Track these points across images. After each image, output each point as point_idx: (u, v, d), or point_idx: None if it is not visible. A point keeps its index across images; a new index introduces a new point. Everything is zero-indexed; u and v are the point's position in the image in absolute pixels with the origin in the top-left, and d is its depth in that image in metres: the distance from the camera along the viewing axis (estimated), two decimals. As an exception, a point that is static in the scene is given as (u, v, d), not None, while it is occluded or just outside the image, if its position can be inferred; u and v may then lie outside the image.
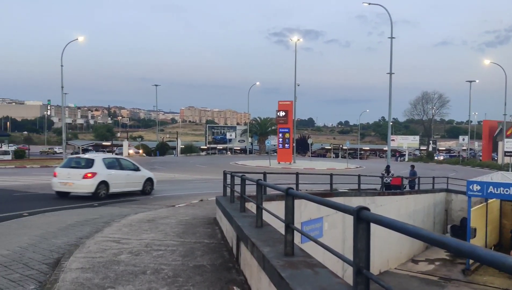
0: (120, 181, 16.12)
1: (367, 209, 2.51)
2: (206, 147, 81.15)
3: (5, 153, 55.56)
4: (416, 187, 23.63)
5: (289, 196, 4.04)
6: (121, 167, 16.61)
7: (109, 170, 15.72)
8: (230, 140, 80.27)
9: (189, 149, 72.09)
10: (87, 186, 15.15)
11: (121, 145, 67.11)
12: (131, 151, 55.62)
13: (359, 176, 18.37)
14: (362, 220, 2.50)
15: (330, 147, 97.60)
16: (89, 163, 15.67)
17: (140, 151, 62.40)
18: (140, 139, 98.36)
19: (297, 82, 49.10)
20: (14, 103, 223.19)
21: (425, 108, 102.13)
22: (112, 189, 15.69)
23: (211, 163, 45.53)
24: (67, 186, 15.34)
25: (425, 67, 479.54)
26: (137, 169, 17.22)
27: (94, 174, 15.18)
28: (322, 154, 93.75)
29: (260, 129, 76.39)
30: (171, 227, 9.12)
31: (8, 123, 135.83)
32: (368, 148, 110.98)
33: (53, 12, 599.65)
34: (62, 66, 41.84)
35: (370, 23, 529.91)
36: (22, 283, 5.39)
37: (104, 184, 15.37)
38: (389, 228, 2.20)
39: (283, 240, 4.66)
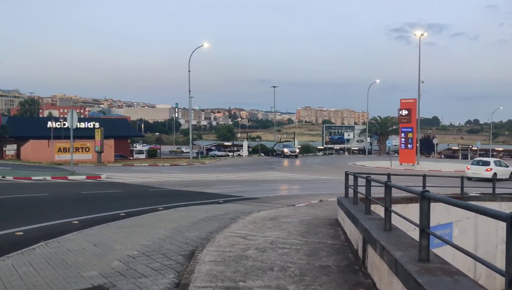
0: (501, 172, 27.41)
1: (523, 215, 2.35)
2: (322, 147, 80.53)
3: (140, 152, 61.45)
4: None
5: (424, 199, 3.85)
6: (501, 165, 28.72)
7: (496, 167, 27.64)
8: (348, 140, 78.63)
9: (305, 149, 72.17)
10: (487, 174, 26.36)
11: (241, 145, 69.78)
12: (285, 150, 57.93)
13: (494, 179, 16.82)
14: (518, 228, 2.34)
15: (457, 148, 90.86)
16: (487, 163, 28.44)
17: (297, 150, 64.01)
18: (258, 139, 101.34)
19: (421, 78, 46.54)
20: (146, 107, 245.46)
21: None
22: (498, 176, 25.25)
23: (329, 163, 45.16)
24: (476, 174, 26.92)
25: None
26: (507, 166, 28.95)
27: (491, 169, 27.22)
28: (449, 155, 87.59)
29: (380, 129, 73.71)
30: (293, 226, 9.25)
31: (142, 125, 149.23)
32: (501, 149, 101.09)
33: (180, 24, 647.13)
34: (189, 71, 44.77)
35: (501, 13, 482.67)
36: (163, 272, 5.88)
37: (494, 174, 26.27)
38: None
39: (414, 245, 4.48)
